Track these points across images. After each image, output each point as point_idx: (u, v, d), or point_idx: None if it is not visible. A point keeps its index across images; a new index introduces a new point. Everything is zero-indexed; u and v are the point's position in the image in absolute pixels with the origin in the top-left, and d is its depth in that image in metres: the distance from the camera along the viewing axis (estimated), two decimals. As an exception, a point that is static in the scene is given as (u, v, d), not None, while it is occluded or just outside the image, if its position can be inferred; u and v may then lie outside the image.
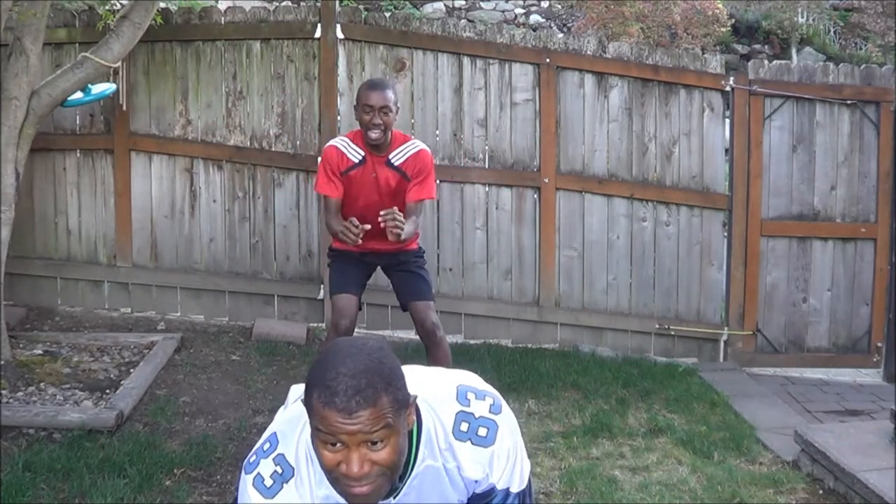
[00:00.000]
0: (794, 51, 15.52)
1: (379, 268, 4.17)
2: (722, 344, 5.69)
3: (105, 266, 5.64)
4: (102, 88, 4.95)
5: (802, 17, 16.14)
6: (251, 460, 1.77)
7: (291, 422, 1.79)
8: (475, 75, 5.54)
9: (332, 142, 4.03)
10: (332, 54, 5.46)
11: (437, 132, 5.57)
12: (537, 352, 5.44)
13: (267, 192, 5.59)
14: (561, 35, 7.23)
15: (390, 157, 3.90)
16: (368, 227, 3.66)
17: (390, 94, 3.81)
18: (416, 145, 3.97)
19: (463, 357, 5.16)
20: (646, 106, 5.57)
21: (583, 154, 5.60)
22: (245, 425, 4.07)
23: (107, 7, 5.32)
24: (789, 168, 5.59)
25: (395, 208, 3.66)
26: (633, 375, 5.07)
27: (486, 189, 5.61)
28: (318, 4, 5.49)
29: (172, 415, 4.13)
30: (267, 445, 1.77)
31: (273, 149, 5.57)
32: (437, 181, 5.19)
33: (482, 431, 1.78)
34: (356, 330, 4.16)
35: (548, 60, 5.50)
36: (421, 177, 3.92)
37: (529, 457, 3.88)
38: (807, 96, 5.53)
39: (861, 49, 16.06)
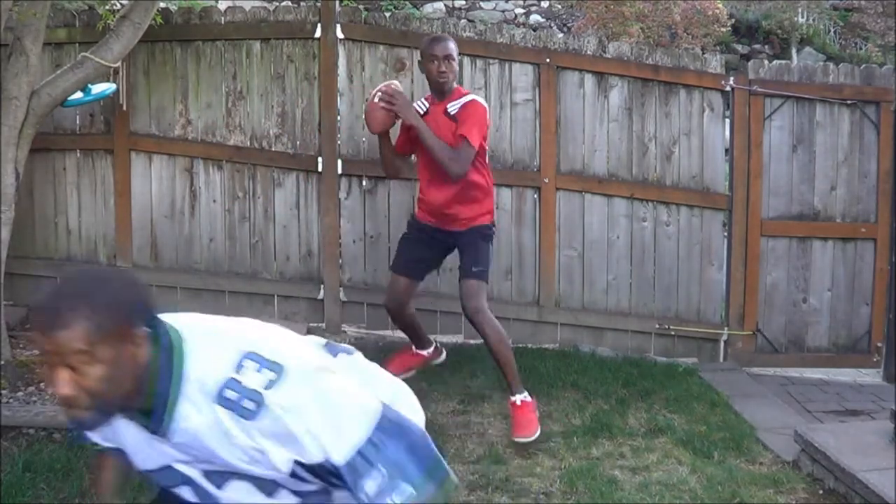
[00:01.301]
0: (794, 51, 15.54)
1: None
2: (722, 344, 5.68)
3: (105, 266, 5.63)
4: (102, 88, 4.94)
5: (802, 17, 16.16)
6: None
7: None
8: (475, 75, 5.53)
9: None
10: (332, 54, 5.46)
11: (437, 132, 5.57)
12: (537, 352, 5.43)
13: (267, 192, 5.60)
14: (561, 35, 7.21)
15: (448, 107, 4.24)
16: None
17: (451, 45, 4.24)
18: (470, 97, 4.29)
19: (463, 357, 5.17)
20: (646, 106, 5.57)
21: (583, 154, 5.60)
22: (245, 425, 4.06)
23: (107, 7, 5.32)
24: (789, 168, 5.59)
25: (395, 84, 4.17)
26: (633, 375, 5.07)
27: (486, 189, 5.60)
28: (318, 4, 5.49)
29: (172, 415, 4.12)
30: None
31: (273, 149, 5.57)
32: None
33: (248, 404, 1.65)
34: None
35: (548, 60, 5.49)
36: (464, 119, 4.16)
37: (530, 457, 3.85)
38: (807, 96, 5.53)
39: (861, 49, 16.08)
